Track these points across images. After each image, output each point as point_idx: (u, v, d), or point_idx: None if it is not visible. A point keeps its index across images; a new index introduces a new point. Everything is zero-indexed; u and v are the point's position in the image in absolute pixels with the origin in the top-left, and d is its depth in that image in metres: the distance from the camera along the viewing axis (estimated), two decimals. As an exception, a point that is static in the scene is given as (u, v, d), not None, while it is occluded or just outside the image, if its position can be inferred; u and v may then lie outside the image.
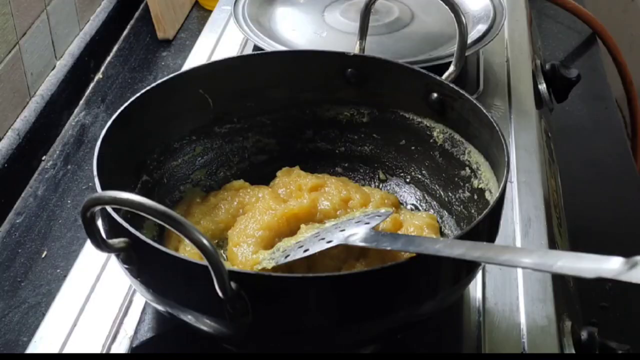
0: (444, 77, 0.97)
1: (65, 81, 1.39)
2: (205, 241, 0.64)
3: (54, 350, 0.88)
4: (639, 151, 1.84)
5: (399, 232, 0.92)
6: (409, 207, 1.01)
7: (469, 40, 1.20)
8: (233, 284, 0.66)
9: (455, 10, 0.98)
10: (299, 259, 0.80)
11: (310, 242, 0.83)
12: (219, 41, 1.42)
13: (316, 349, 0.78)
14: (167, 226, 0.64)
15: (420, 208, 1.00)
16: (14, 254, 1.12)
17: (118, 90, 1.47)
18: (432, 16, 1.35)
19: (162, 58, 1.56)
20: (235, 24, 1.30)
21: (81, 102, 1.44)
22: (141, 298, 0.91)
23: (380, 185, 1.04)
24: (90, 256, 0.98)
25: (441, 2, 0.98)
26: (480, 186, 0.92)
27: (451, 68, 1.00)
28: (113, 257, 0.78)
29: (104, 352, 0.88)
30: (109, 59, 1.56)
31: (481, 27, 1.29)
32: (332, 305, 0.72)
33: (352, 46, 1.06)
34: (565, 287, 1.01)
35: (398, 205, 0.99)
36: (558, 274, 0.91)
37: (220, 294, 0.66)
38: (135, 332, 0.89)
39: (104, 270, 0.97)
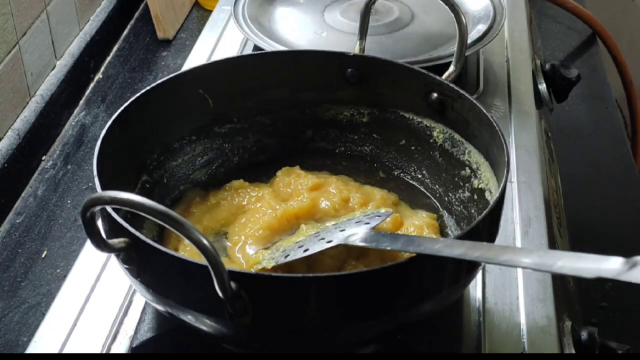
0: (444, 77, 0.97)
1: (65, 81, 1.38)
2: (205, 241, 0.64)
3: (54, 350, 0.88)
4: (639, 151, 1.83)
5: (399, 231, 0.92)
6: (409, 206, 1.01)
7: (469, 40, 1.20)
8: (233, 284, 0.66)
9: (455, 10, 0.98)
10: (299, 258, 0.80)
11: (310, 242, 0.83)
12: (219, 41, 1.41)
13: (316, 349, 0.78)
14: (167, 226, 0.64)
15: (420, 208, 1.00)
16: (14, 254, 1.12)
17: (118, 90, 1.47)
18: (432, 16, 1.35)
19: (162, 58, 1.56)
20: (235, 24, 1.30)
21: (81, 102, 1.44)
22: (141, 298, 0.91)
23: (381, 185, 1.03)
24: (90, 256, 0.98)
25: (441, 2, 0.98)
26: (480, 186, 0.92)
27: (451, 68, 0.99)
28: (113, 257, 0.78)
29: (104, 352, 0.87)
30: (109, 59, 1.55)
31: (481, 27, 1.29)
32: (332, 306, 0.72)
33: (352, 46, 1.06)
34: (565, 287, 1.01)
35: (398, 204, 0.99)
36: (558, 274, 0.91)
37: (220, 294, 0.66)
38: (135, 332, 0.88)
39: (104, 270, 0.97)
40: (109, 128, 0.86)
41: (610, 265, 0.57)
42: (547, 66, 1.37)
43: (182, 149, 1.00)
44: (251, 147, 1.04)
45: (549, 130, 1.30)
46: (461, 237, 0.75)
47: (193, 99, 0.98)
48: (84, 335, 0.90)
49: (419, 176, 1.01)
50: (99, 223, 0.71)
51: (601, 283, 1.10)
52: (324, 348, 0.78)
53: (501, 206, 0.82)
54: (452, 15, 0.98)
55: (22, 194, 1.23)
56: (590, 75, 1.61)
